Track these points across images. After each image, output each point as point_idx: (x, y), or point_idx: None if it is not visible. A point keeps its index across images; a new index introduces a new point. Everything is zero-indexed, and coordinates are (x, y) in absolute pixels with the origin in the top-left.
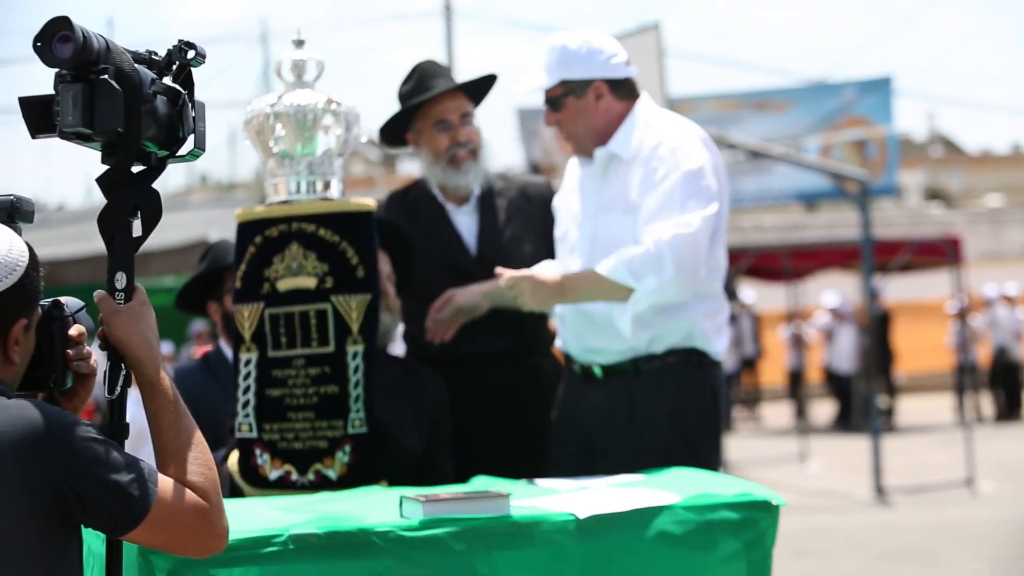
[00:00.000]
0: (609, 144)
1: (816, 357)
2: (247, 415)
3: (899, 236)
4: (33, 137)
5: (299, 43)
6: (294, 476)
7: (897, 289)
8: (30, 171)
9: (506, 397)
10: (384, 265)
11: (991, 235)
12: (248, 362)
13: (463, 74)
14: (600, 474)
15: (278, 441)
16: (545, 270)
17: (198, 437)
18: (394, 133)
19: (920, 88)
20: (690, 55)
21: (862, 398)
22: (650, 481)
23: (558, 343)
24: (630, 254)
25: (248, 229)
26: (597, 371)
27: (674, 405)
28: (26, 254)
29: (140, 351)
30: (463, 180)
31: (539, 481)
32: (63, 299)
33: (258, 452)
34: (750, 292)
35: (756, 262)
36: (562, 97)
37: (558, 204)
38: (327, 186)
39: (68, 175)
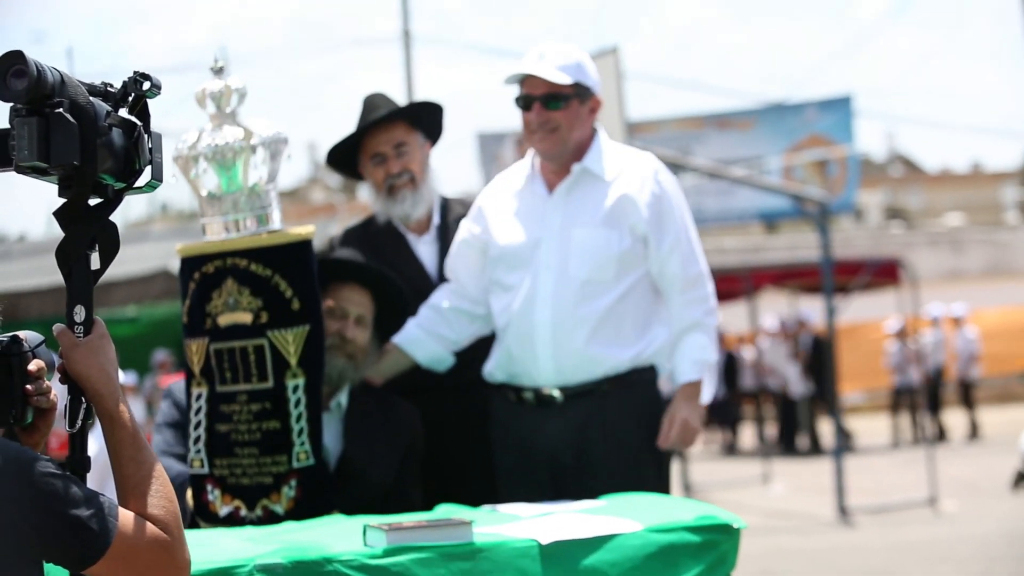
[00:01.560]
0: (584, 160)
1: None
2: (199, 450)
3: (855, 256)
4: None
5: (218, 71)
6: (243, 512)
7: (852, 309)
8: None
9: (473, 425)
10: (357, 307)
11: (951, 254)
12: (199, 396)
13: (423, 99)
14: (573, 497)
15: (227, 476)
16: (678, 410)
17: (159, 470)
18: (351, 169)
19: (880, 108)
20: (649, 77)
21: (807, 420)
22: (612, 506)
23: (498, 376)
24: (704, 342)
25: (188, 265)
26: (556, 395)
27: (642, 421)
28: None
29: (99, 384)
30: (401, 209)
31: (502, 507)
32: (22, 333)
33: (209, 488)
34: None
35: (716, 284)
36: (570, 97)
37: (490, 221)
38: (264, 219)
39: (31, 206)
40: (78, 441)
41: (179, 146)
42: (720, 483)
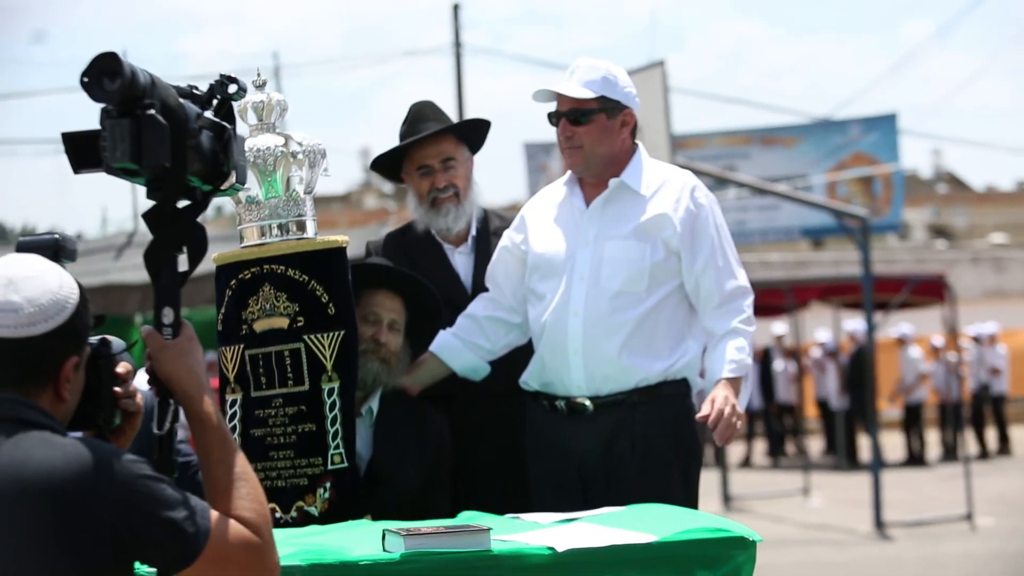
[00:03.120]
0: (622, 175)
1: (811, 391)
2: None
3: (897, 273)
4: (76, 172)
5: (260, 85)
6: (279, 514)
7: (895, 326)
8: (47, 202)
9: (503, 434)
10: (390, 313)
11: (993, 273)
12: (234, 403)
13: (472, 110)
14: (597, 506)
15: (263, 480)
16: (717, 394)
17: (249, 472)
18: (392, 171)
19: (926, 126)
20: (697, 92)
21: (847, 433)
22: (631, 515)
23: (533, 384)
24: (744, 345)
25: (224, 272)
26: (587, 404)
27: (672, 434)
28: (76, 291)
29: (189, 386)
30: (443, 223)
31: (524, 516)
32: (109, 337)
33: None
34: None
35: (758, 298)
36: (594, 112)
37: (530, 231)
38: (300, 227)
39: (85, 206)
40: (166, 443)
41: None
42: (760, 495)
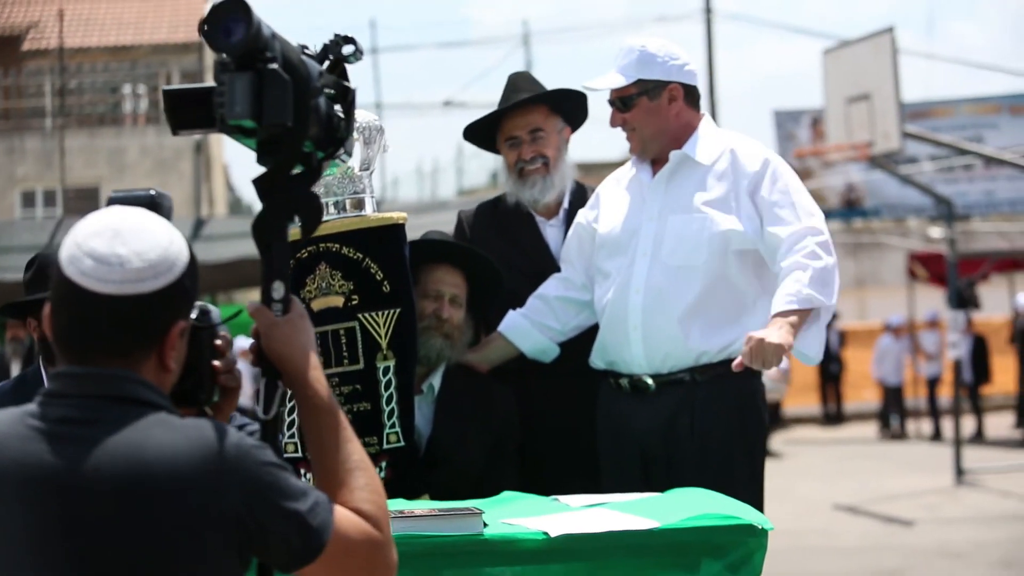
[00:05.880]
0: (684, 147)
1: None
2: (292, 435)
3: None
4: (174, 133)
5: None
6: None
7: None
8: None
9: (573, 412)
10: (451, 288)
11: None
12: None
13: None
14: (661, 488)
15: None
16: (756, 332)
17: (366, 460)
18: (489, 144)
19: None
20: (968, 60)
21: None
22: (664, 502)
23: (599, 363)
24: (802, 277)
25: None
26: (649, 383)
27: (735, 413)
28: (185, 249)
29: (301, 367)
30: (529, 194)
31: (562, 498)
32: (208, 306)
33: (303, 471)
34: None
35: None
36: (635, 96)
37: (601, 209)
38: (357, 204)
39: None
40: (271, 429)
41: None
42: (994, 469)
